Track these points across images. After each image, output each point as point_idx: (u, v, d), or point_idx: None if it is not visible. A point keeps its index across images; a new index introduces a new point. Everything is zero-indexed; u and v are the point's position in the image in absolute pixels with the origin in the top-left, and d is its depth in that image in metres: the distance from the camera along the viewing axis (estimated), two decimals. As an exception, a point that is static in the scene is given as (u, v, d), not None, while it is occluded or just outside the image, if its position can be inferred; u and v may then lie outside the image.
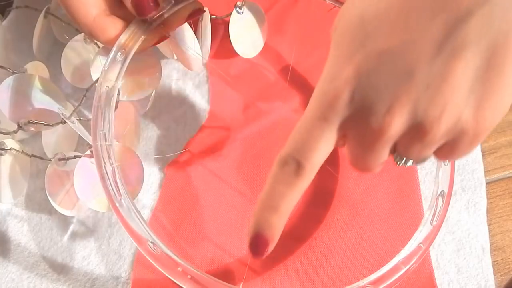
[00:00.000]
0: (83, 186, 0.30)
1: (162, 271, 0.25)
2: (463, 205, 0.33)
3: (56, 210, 0.34)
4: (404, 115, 0.20)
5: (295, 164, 0.23)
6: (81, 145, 0.36)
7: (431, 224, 0.28)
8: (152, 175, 0.35)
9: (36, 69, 0.34)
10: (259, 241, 0.24)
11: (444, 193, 0.29)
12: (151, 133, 0.37)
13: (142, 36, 0.28)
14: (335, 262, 0.31)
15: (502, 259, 0.32)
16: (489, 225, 0.33)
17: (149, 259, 0.25)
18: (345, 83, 0.21)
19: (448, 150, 0.22)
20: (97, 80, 0.29)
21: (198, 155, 0.35)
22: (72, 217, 0.34)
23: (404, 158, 0.23)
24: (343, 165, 0.34)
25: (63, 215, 0.34)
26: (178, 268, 0.25)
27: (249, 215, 0.33)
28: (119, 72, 0.28)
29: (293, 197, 0.23)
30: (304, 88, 0.38)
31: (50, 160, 0.32)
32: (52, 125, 0.32)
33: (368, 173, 0.25)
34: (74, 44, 0.35)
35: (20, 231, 0.33)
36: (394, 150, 0.23)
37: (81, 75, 0.35)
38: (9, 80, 0.31)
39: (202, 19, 0.36)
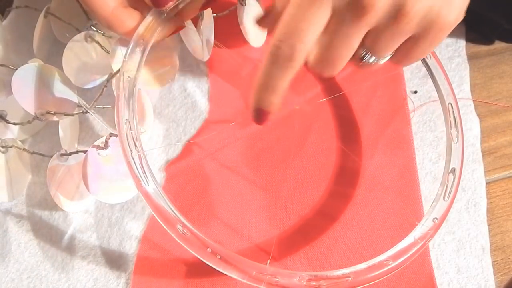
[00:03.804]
0: (91, 178, 0.30)
1: (193, 253, 0.25)
2: (463, 205, 0.33)
3: (56, 209, 0.34)
4: None
5: (288, 47, 0.23)
6: (82, 141, 0.36)
7: (444, 200, 0.29)
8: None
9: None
10: (261, 114, 0.25)
11: (455, 169, 0.30)
12: (151, 133, 0.37)
13: (159, 27, 0.29)
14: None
15: (502, 259, 0.32)
16: (489, 225, 0.33)
17: (179, 241, 0.25)
18: None
19: (410, 47, 0.24)
20: (117, 71, 0.29)
21: (197, 153, 0.35)
22: (72, 216, 0.34)
23: (369, 54, 0.25)
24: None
25: (63, 214, 0.34)
26: (208, 249, 0.25)
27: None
28: (139, 62, 0.28)
29: (288, 77, 0.24)
30: (304, 86, 0.38)
31: (51, 156, 0.32)
32: (73, 115, 0.32)
33: (330, 75, 0.26)
34: (75, 44, 0.35)
35: (20, 231, 0.33)
36: (361, 45, 0.24)
37: (82, 74, 0.35)
38: (23, 71, 0.31)
39: (202, 17, 0.36)
